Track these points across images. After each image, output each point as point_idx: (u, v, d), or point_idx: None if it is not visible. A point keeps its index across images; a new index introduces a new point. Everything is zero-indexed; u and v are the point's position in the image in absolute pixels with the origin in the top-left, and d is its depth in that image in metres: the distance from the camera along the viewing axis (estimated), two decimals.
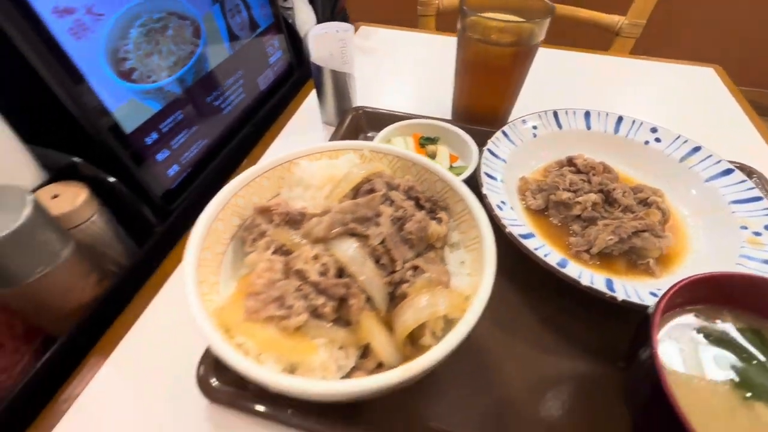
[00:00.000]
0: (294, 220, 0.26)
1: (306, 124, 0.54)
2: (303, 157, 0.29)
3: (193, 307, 0.20)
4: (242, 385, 0.27)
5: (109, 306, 0.33)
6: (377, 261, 0.23)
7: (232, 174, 0.46)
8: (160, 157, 0.38)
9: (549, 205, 0.39)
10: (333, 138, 0.46)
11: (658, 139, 0.42)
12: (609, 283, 0.30)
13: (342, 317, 0.22)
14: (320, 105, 0.52)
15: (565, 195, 0.37)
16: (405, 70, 0.66)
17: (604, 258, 0.35)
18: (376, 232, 0.23)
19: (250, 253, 0.25)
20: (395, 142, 0.44)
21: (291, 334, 0.20)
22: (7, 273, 0.26)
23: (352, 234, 0.24)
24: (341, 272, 0.23)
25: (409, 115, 0.48)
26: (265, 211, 0.26)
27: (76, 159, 0.33)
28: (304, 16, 0.61)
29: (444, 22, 0.92)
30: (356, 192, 0.27)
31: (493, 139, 0.41)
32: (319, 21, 0.64)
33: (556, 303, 0.33)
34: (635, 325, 0.27)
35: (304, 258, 0.22)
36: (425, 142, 0.45)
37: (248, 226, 0.27)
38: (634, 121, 0.44)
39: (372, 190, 0.26)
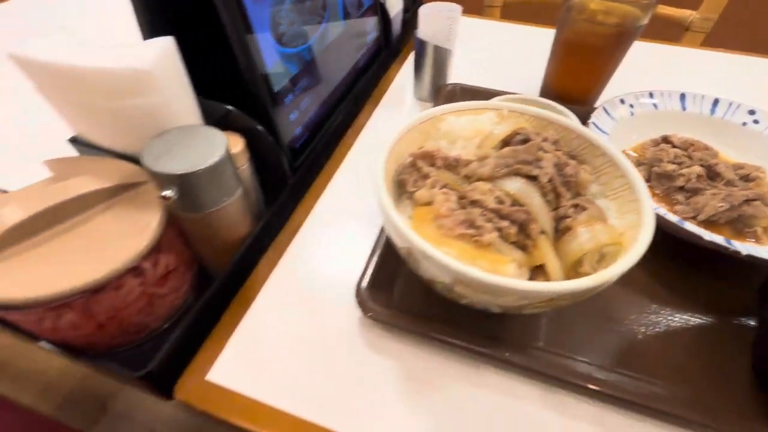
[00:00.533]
0: (451, 165, 0.29)
1: (399, 100, 0.57)
2: (449, 113, 0.32)
3: (396, 221, 0.23)
4: (390, 304, 0.31)
5: (259, 244, 0.37)
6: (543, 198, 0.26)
7: (340, 140, 0.50)
8: (292, 117, 0.42)
9: (651, 176, 0.41)
10: None
11: (756, 121, 0.44)
12: (727, 242, 0.32)
13: (518, 242, 0.25)
14: (416, 80, 0.55)
15: (670, 167, 0.40)
16: (479, 54, 0.68)
17: (710, 226, 0.37)
18: (543, 172, 0.26)
19: (413, 192, 0.29)
20: None
21: (483, 248, 0.23)
22: (199, 199, 0.30)
23: (517, 174, 0.27)
24: (513, 204, 0.26)
25: (502, 92, 0.51)
26: (426, 156, 0.29)
27: (230, 108, 0.37)
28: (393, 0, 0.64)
29: (506, 13, 0.95)
30: (505, 143, 0.30)
31: (595, 114, 0.44)
32: (405, 6, 0.67)
33: (666, 264, 0.36)
34: (760, 281, 0.29)
35: (480, 191, 0.26)
36: None
37: (406, 170, 0.30)
38: (731, 103, 0.45)
39: (527, 140, 0.29)
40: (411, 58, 0.66)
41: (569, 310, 0.31)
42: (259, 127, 0.37)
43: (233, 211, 0.33)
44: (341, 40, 0.50)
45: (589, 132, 0.30)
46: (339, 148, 0.50)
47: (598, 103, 0.52)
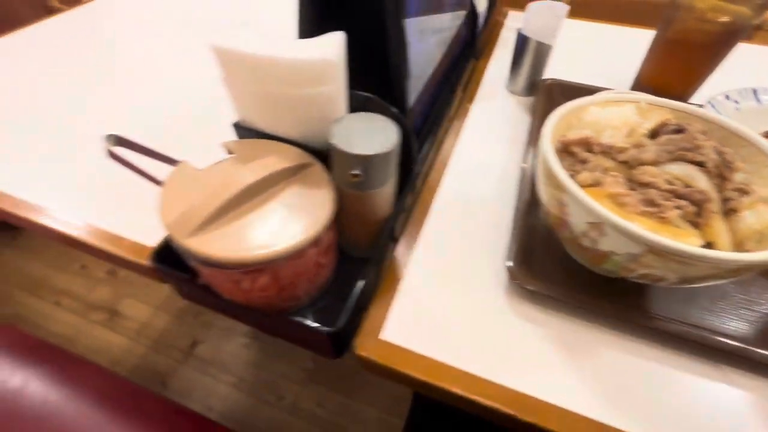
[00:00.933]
0: (607, 151, 0.32)
1: (492, 92, 0.60)
2: (592, 104, 0.35)
3: (588, 201, 0.26)
4: (536, 276, 0.33)
5: (398, 223, 0.40)
6: None
7: (446, 130, 0.53)
8: (416, 107, 0.45)
9: None
10: (535, 105, 0.52)
11: None
12: None
13: (691, 220, 0.27)
14: (511, 74, 0.57)
15: None
16: (558, 51, 0.70)
17: None
18: (708, 157, 0.28)
19: (570, 175, 0.31)
20: None
21: (666, 224, 0.26)
22: (373, 179, 0.33)
23: (680, 159, 0.29)
24: (686, 186, 0.28)
25: (600, 87, 0.53)
26: (583, 143, 0.32)
27: (371, 96, 0.40)
28: None
29: (572, 11, 0.96)
30: (654, 134, 0.32)
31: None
32: (490, 3, 0.69)
33: None
34: None
35: (650, 174, 0.28)
36: None
37: (558, 155, 0.33)
38: None
39: (679, 130, 0.31)
40: (495, 52, 0.69)
41: (705, 290, 0.33)
42: (396, 111, 0.40)
43: (389, 191, 0.36)
44: (446, 33, 0.53)
45: (735, 123, 0.32)
46: (447, 139, 0.52)
47: (693, 100, 0.54)
